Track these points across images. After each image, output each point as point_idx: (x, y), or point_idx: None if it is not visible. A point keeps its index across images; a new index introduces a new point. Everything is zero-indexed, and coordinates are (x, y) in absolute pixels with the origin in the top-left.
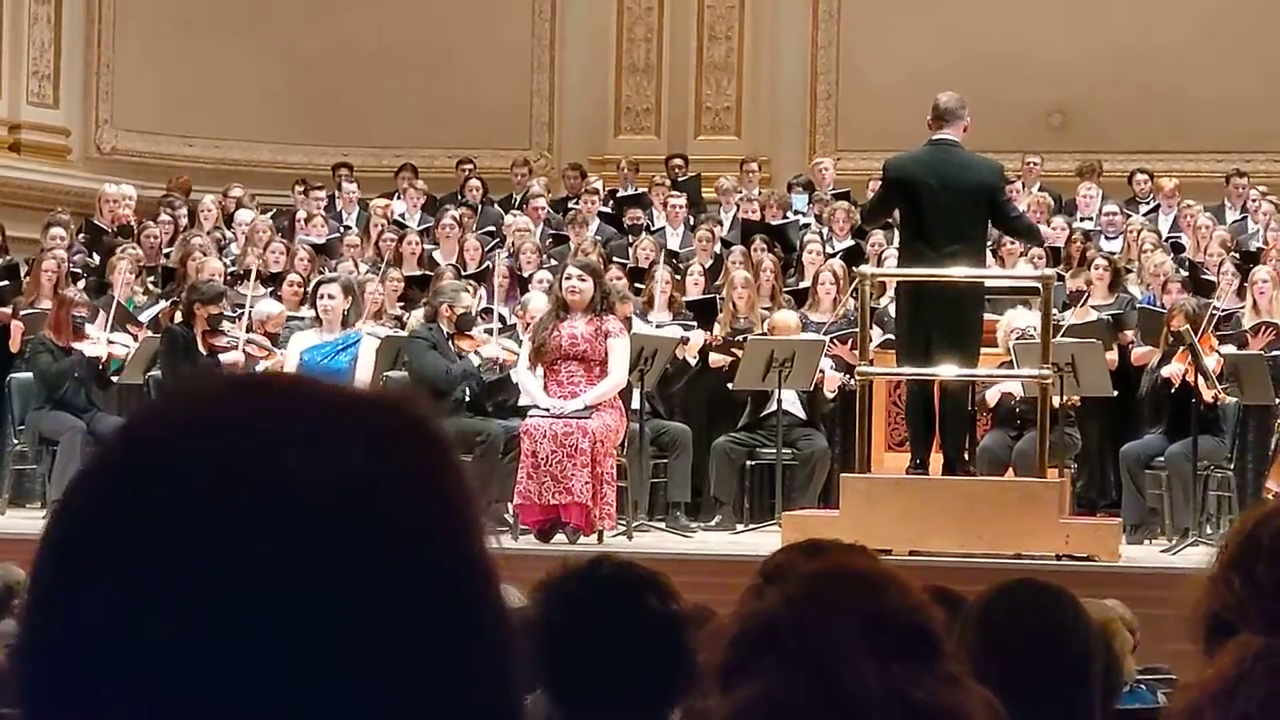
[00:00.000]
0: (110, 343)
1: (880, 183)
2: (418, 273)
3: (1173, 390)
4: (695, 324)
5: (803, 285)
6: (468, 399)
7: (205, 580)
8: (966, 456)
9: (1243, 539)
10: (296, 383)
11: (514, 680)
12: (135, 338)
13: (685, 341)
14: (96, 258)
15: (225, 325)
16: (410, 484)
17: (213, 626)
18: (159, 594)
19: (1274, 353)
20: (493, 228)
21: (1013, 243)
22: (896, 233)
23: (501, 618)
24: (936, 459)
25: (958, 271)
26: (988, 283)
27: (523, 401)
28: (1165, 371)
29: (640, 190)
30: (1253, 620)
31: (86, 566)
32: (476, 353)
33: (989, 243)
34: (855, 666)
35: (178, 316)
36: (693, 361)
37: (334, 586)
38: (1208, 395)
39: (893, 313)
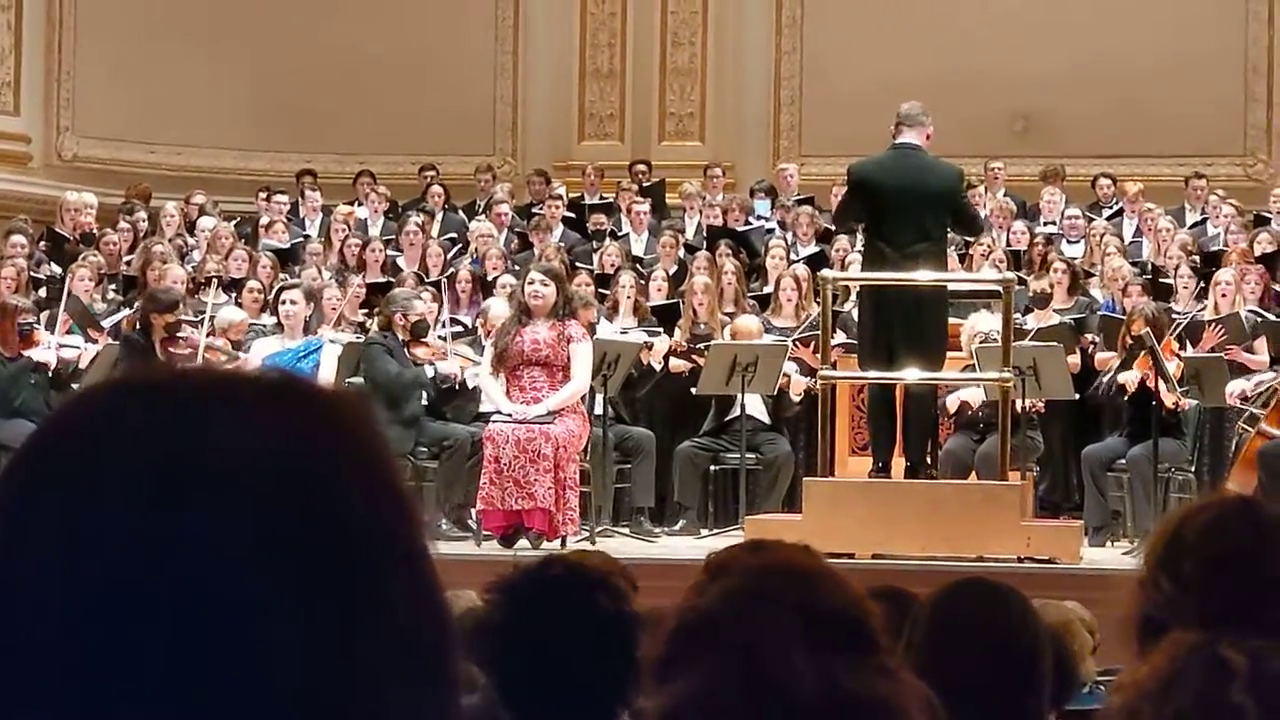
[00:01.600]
0: (60, 347)
1: (845, 188)
2: (381, 279)
3: (1127, 396)
4: (660, 329)
5: (766, 290)
6: (426, 404)
7: (127, 561)
8: (929, 460)
9: (1168, 538)
10: (225, 371)
11: (443, 677)
12: (95, 341)
13: (649, 347)
14: (57, 266)
15: (185, 332)
16: (342, 467)
17: (129, 606)
18: (83, 577)
19: (1223, 354)
20: (455, 234)
21: (980, 244)
22: (859, 237)
23: (434, 612)
24: (899, 462)
25: (920, 275)
26: (951, 286)
27: (485, 407)
28: (1121, 378)
29: (605, 198)
30: (1184, 617)
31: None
32: (433, 363)
33: (955, 247)
34: (790, 660)
35: (137, 326)
36: (657, 367)
37: (259, 566)
38: (1169, 400)
39: (856, 317)
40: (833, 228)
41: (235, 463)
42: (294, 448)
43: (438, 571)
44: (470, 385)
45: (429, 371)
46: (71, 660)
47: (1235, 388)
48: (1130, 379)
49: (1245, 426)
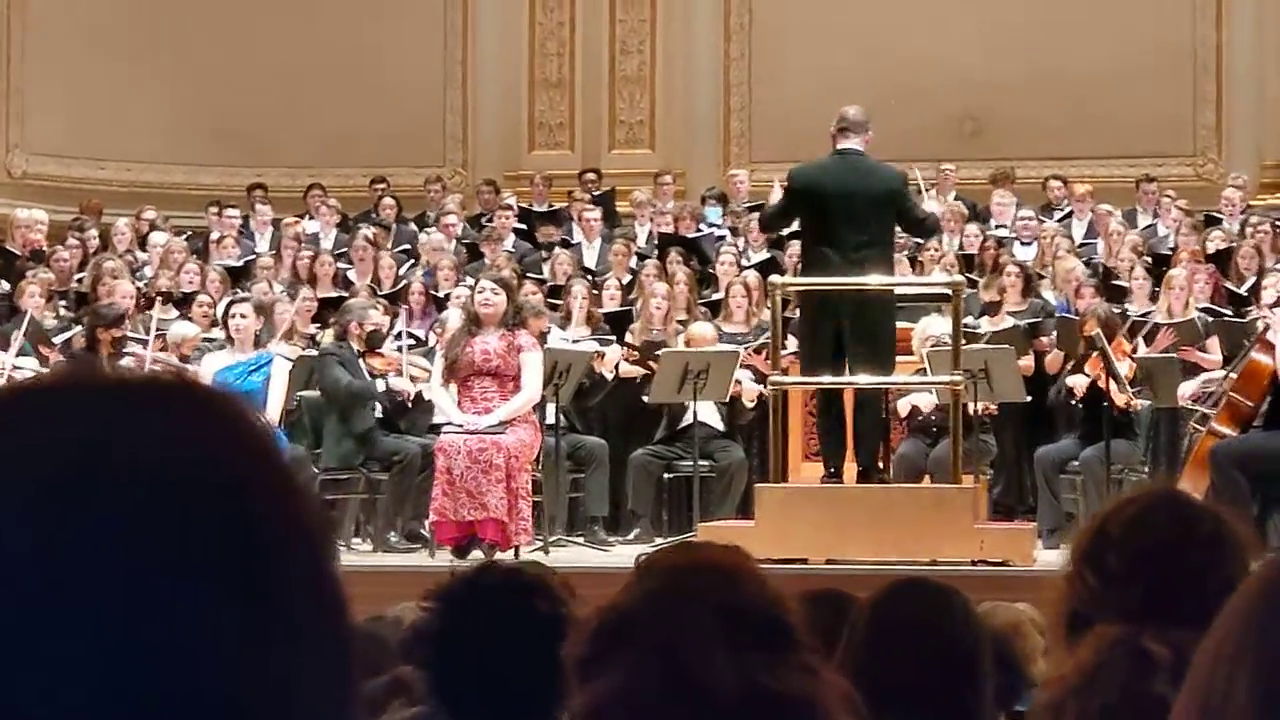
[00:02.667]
0: (15, 368)
1: (783, 191)
2: (333, 294)
3: (1076, 402)
4: (613, 338)
5: (717, 297)
6: (380, 417)
7: (28, 565)
8: (881, 465)
9: (1093, 533)
10: (124, 374)
11: (343, 673)
12: (47, 360)
13: (601, 356)
14: (6, 284)
15: (131, 348)
16: (243, 466)
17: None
18: None
19: (1175, 354)
20: (408, 245)
21: (931, 249)
22: (799, 244)
23: (334, 608)
24: (852, 467)
25: (869, 279)
26: (901, 290)
27: (437, 419)
28: (1070, 382)
29: (556, 207)
30: (1109, 611)
31: None
32: (385, 378)
33: (906, 251)
34: (709, 658)
35: (84, 343)
36: (609, 375)
37: (162, 567)
38: (1120, 400)
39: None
40: (783, 233)
41: (137, 464)
42: (196, 448)
43: (337, 568)
44: (426, 398)
45: (381, 385)
46: None
47: (1186, 389)
48: (1079, 383)
49: (1197, 426)
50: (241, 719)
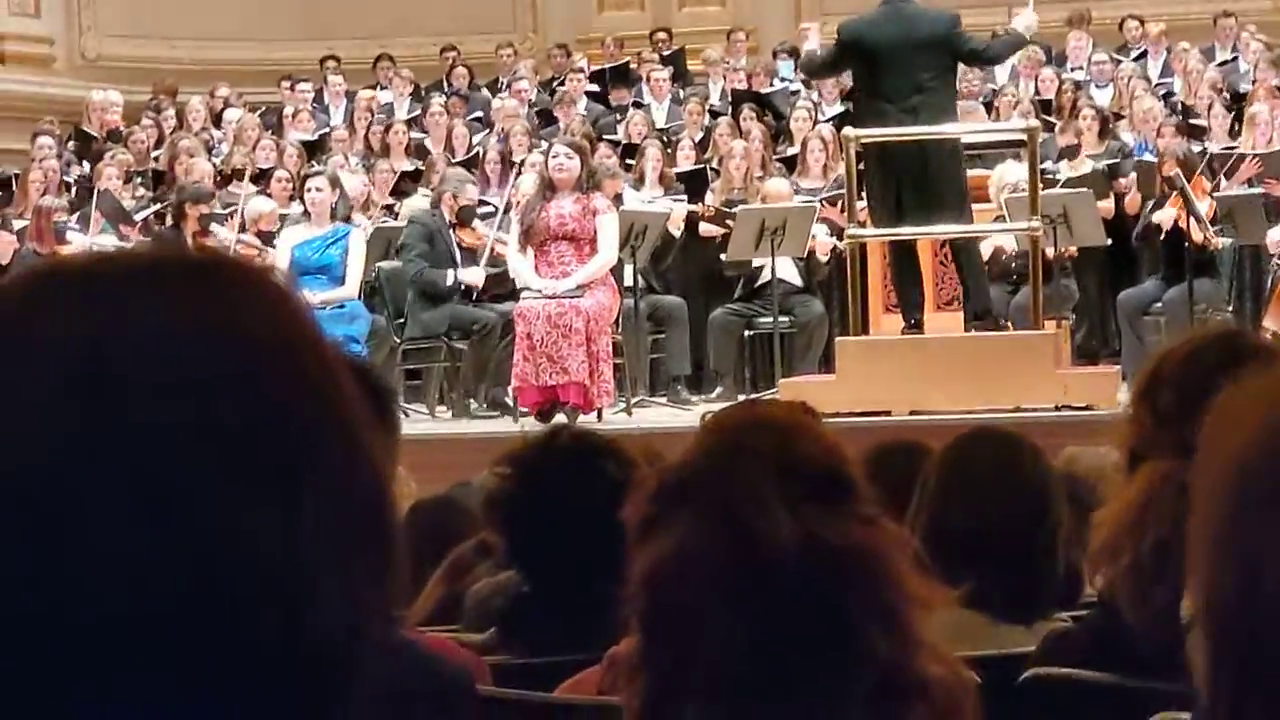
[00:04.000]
0: (94, 246)
1: (834, 43)
2: (407, 165)
3: (1163, 236)
4: (685, 197)
5: (793, 153)
6: (463, 288)
7: (57, 455)
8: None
9: (1150, 373)
10: (147, 253)
11: (383, 550)
12: (127, 238)
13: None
14: (87, 165)
15: (215, 226)
16: (270, 343)
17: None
18: (12, 473)
19: (1259, 189)
20: (480, 114)
21: (1009, 94)
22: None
23: (373, 486)
24: (932, 318)
25: (939, 128)
26: (976, 138)
27: (515, 285)
28: (1155, 218)
29: (624, 62)
30: (1161, 448)
31: None
32: (464, 252)
33: (981, 97)
34: (766, 512)
35: (169, 220)
36: (677, 233)
37: (194, 449)
38: (1198, 237)
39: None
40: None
41: (162, 346)
42: (221, 327)
43: (373, 443)
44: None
45: (450, 279)
46: (9, 558)
47: (1276, 234)
48: (1165, 217)
49: None
50: (270, 601)
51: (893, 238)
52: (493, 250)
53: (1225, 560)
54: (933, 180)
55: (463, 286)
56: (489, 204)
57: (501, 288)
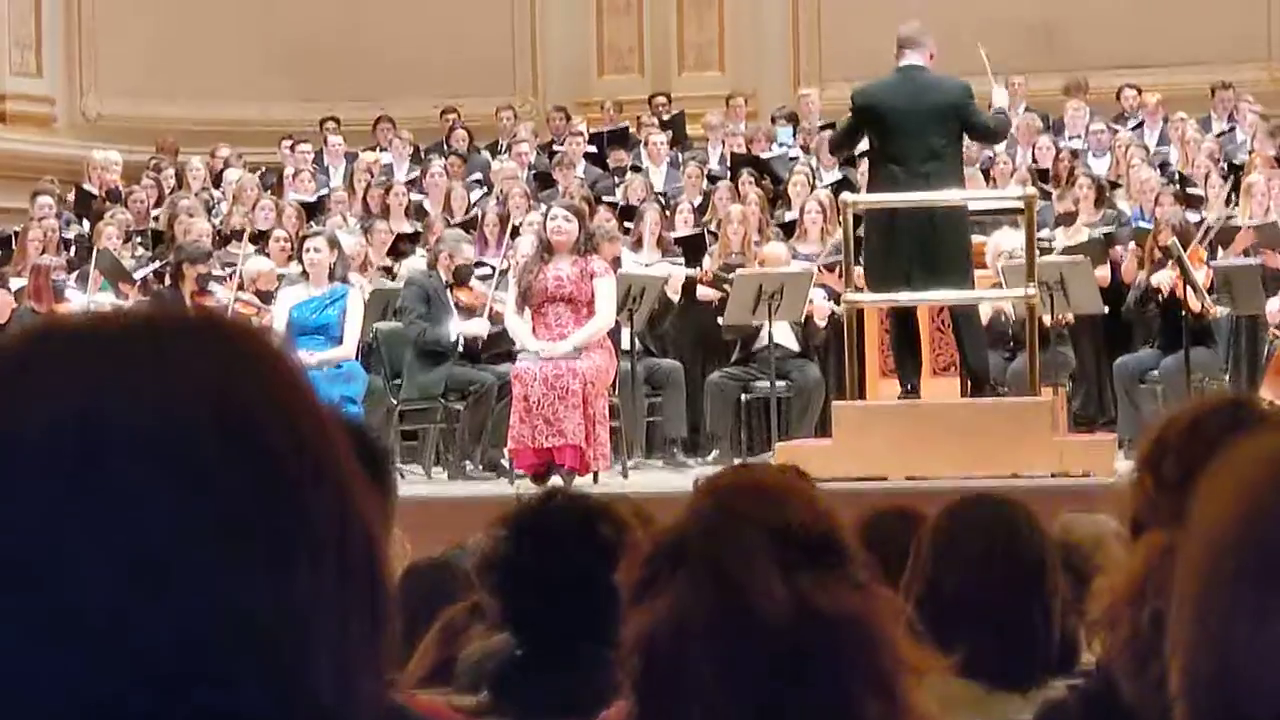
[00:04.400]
0: (93, 305)
1: (850, 111)
2: (406, 226)
3: (1160, 300)
4: (684, 261)
5: (790, 217)
6: (461, 350)
7: (51, 512)
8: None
9: (1153, 441)
10: (143, 313)
11: (374, 604)
12: (126, 296)
13: (670, 279)
14: (86, 224)
15: (214, 285)
16: (263, 400)
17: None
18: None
19: (1256, 259)
20: (480, 175)
21: (1003, 162)
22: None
23: (362, 540)
24: (929, 384)
25: (939, 194)
26: (973, 204)
27: (512, 347)
28: (1154, 281)
29: (623, 124)
30: (1163, 517)
31: None
32: (464, 312)
33: (979, 164)
34: (760, 577)
35: (167, 280)
36: (675, 298)
37: (185, 507)
38: (1196, 306)
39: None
40: (855, 151)
41: (155, 404)
42: (215, 386)
43: (366, 502)
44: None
45: (454, 333)
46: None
47: (1275, 305)
48: (1163, 280)
49: (1278, 333)
50: (262, 665)
51: (889, 303)
52: (491, 309)
53: (1200, 637)
54: (940, 246)
55: (464, 341)
56: (486, 265)
57: (500, 346)
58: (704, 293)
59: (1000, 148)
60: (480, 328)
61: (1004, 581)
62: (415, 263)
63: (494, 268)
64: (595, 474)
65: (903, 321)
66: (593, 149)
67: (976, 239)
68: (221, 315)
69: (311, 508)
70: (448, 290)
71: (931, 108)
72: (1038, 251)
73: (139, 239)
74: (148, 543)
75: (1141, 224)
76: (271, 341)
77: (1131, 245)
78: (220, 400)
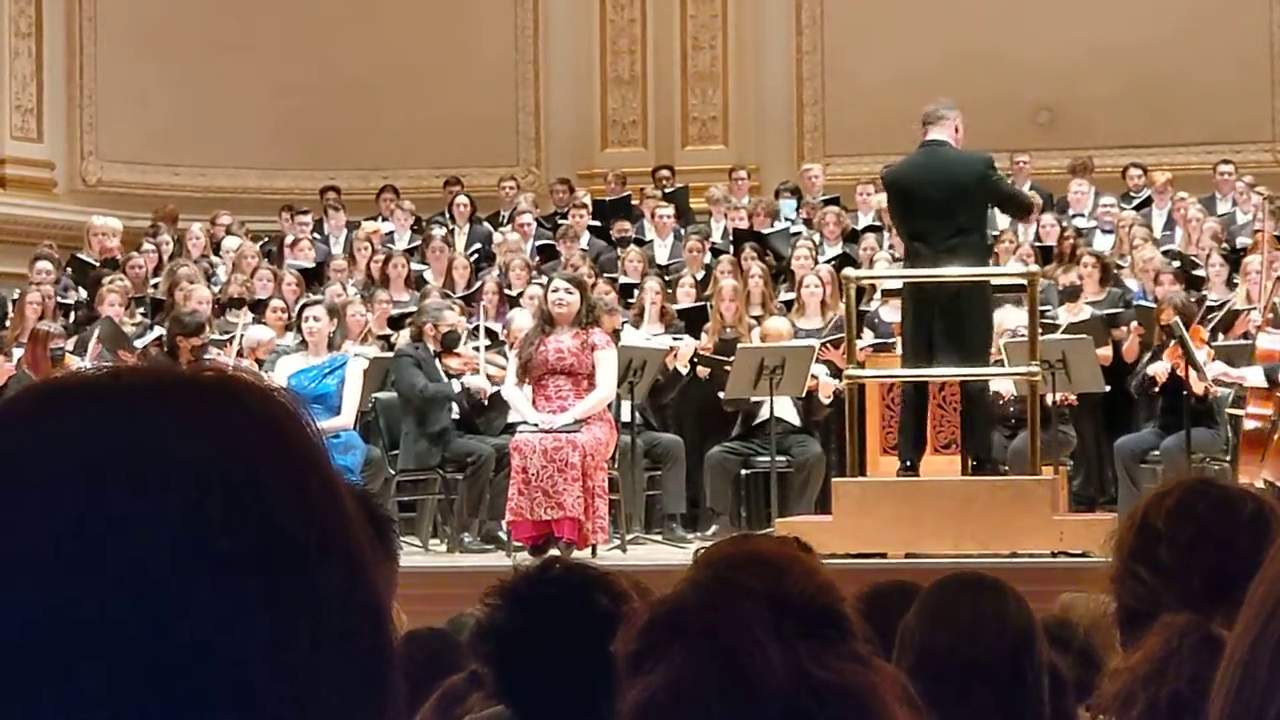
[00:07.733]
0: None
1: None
2: (406, 296)
3: (1156, 388)
4: (685, 334)
5: (791, 297)
6: (456, 418)
7: (52, 565)
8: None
9: (1136, 530)
10: (157, 371)
11: (379, 676)
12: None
13: (674, 351)
14: (84, 291)
15: (211, 354)
16: (272, 465)
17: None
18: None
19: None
20: (481, 245)
21: (1007, 240)
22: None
23: (370, 611)
24: (928, 461)
25: (946, 271)
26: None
27: (512, 418)
28: (1150, 370)
29: (625, 194)
30: (1169, 602)
31: None
32: (460, 379)
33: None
34: (758, 648)
35: (165, 349)
36: (684, 371)
37: (186, 568)
38: (1198, 388)
39: (883, 316)
40: (858, 227)
41: (162, 464)
42: (223, 447)
43: (374, 570)
44: (503, 397)
45: (457, 386)
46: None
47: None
48: (1160, 370)
49: (1234, 410)
50: (248, 712)
51: (890, 379)
52: (484, 370)
53: (1241, 681)
54: (964, 322)
55: (463, 406)
56: (491, 332)
57: (498, 413)
58: (701, 370)
59: (1004, 223)
60: (483, 382)
61: (989, 660)
62: (403, 336)
63: (493, 335)
64: (593, 547)
65: (916, 397)
66: (595, 223)
67: None
68: (236, 375)
69: (317, 576)
70: (436, 359)
71: (952, 184)
72: (1040, 330)
73: (139, 307)
74: (149, 593)
75: (1144, 302)
76: (285, 399)
77: (1134, 324)
78: (229, 457)
